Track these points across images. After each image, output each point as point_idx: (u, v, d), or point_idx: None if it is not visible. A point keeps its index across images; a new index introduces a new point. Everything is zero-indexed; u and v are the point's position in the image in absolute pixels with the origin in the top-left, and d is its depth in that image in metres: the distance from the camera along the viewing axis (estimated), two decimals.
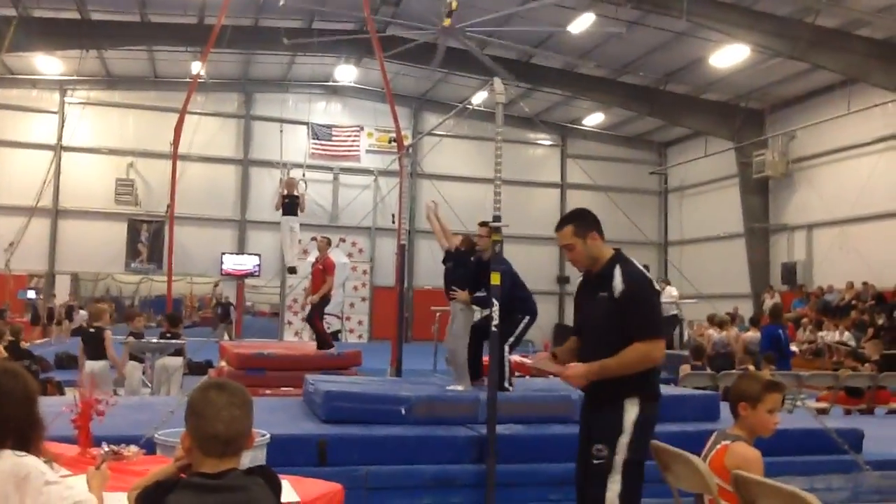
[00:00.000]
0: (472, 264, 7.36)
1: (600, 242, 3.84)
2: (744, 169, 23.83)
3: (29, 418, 2.49)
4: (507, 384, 6.76)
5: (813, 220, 22.35)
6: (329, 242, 11.71)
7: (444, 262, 7.76)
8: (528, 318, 7.09)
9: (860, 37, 18.16)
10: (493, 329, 5.94)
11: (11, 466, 2.38)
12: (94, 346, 9.10)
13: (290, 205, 13.60)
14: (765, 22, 17.96)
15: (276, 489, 2.25)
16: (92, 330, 9.26)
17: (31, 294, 24.25)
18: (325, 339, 11.32)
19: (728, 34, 18.59)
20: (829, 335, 17.38)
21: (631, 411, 3.60)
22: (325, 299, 11.22)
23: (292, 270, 14.86)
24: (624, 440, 3.58)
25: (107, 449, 3.65)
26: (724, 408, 5.92)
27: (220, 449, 2.14)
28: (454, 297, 7.34)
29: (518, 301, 6.97)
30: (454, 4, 15.17)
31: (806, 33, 17.75)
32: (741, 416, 3.48)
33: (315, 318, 11.34)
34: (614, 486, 3.56)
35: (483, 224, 7.05)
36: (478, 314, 7.53)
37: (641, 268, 3.80)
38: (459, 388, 7.11)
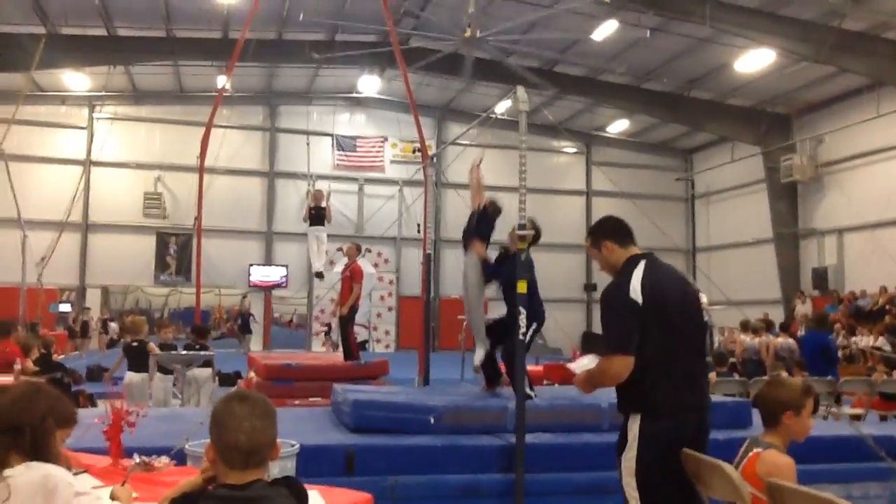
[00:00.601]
0: (490, 222, 7.44)
1: (617, 249, 3.73)
2: (771, 174, 23.61)
3: (44, 433, 2.51)
4: (530, 391, 6.69)
5: (843, 224, 22.06)
6: (359, 249, 11.67)
7: (470, 219, 7.75)
8: (535, 324, 7.03)
9: (887, 39, 17.95)
10: (521, 338, 5.91)
11: (42, 478, 2.39)
12: (137, 360, 9.23)
13: (317, 216, 13.72)
14: (789, 26, 17.81)
15: (302, 500, 2.25)
16: (135, 344, 9.39)
17: (64, 308, 24.55)
18: (352, 350, 11.31)
19: (752, 39, 18.46)
20: (863, 340, 17.11)
21: (633, 428, 3.50)
22: (354, 308, 11.22)
23: (319, 276, 14.88)
24: (629, 457, 3.49)
25: (138, 460, 3.67)
26: (756, 415, 5.85)
27: (243, 460, 2.14)
28: (470, 247, 7.32)
29: (536, 304, 6.92)
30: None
31: (831, 37, 17.56)
32: (785, 425, 3.41)
33: (347, 328, 11.35)
34: None
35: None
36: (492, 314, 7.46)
37: (639, 274, 3.56)
38: (480, 353, 7.11)
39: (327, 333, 21.47)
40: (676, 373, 3.50)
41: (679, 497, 3.52)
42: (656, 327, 3.46)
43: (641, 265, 3.61)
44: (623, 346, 3.46)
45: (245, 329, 23.05)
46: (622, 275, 3.62)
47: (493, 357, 7.39)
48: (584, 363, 3.72)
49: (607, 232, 3.80)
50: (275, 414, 2.25)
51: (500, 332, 7.11)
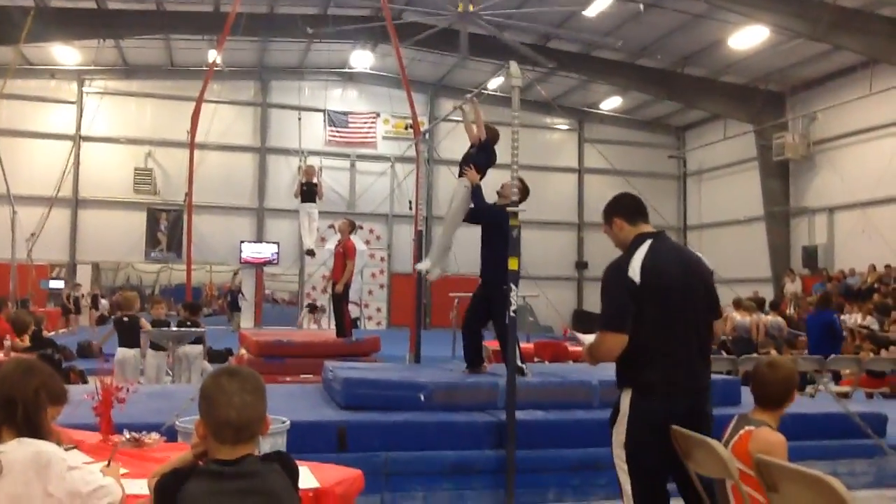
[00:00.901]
0: (490, 151, 7.45)
1: (626, 227, 3.75)
2: (763, 152, 23.60)
3: (37, 408, 2.51)
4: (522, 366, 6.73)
5: (834, 202, 22.11)
6: (352, 225, 11.60)
7: (470, 148, 7.72)
8: (515, 288, 6.91)
9: (882, 17, 17.87)
10: (512, 315, 5.92)
11: (34, 453, 2.41)
12: (128, 335, 9.21)
13: (309, 192, 13.65)
14: (784, 3, 17.72)
15: (293, 475, 2.26)
16: (126, 319, 9.37)
17: (55, 284, 24.49)
18: (344, 327, 11.31)
19: (747, 15, 18.36)
20: (852, 318, 17.20)
21: (624, 402, 3.57)
22: (347, 285, 11.21)
23: (310, 253, 14.83)
24: (619, 430, 3.56)
25: (128, 436, 3.68)
26: (745, 392, 5.89)
27: (233, 435, 2.15)
28: (465, 173, 7.33)
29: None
30: None
31: (826, 14, 17.48)
32: (785, 406, 3.48)
33: (342, 305, 11.35)
34: (626, 480, 3.55)
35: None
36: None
37: (641, 254, 3.57)
38: (426, 263, 7.34)
39: (311, 310, 21.38)
40: (671, 354, 3.52)
41: (664, 472, 3.58)
42: (653, 307, 3.48)
43: (646, 244, 3.62)
44: (615, 323, 3.52)
45: (234, 307, 23.00)
46: (626, 253, 3.64)
47: (478, 339, 7.36)
48: (591, 338, 3.75)
49: (618, 209, 3.82)
50: (264, 389, 2.25)
51: (483, 310, 7.12)
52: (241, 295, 23.99)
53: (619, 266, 3.58)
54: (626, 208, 3.81)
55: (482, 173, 7.34)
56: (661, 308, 3.50)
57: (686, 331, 3.57)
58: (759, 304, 14.02)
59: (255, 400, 2.19)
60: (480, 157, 7.48)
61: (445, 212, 7.83)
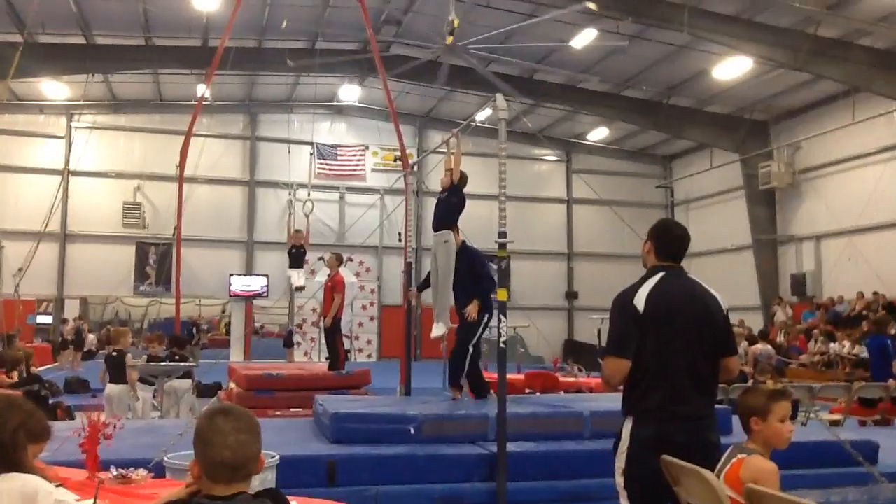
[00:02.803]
0: (461, 194, 7.77)
1: (652, 254, 3.85)
2: (750, 180, 23.81)
3: (16, 447, 2.50)
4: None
5: (821, 230, 22.27)
6: (340, 259, 11.66)
7: (441, 193, 7.98)
8: (487, 315, 7.23)
9: (862, 46, 18.16)
10: (502, 346, 5.91)
11: (20, 487, 2.40)
12: (117, 370, 9.15)
13: (296, 257, 13.60)
14: (766, 33, 17.98)
15: None
16: (115, 354, 9.31)
17: (42, 319, 24.29)
18: (338, 360, 11.28)
19: (730, 46, 18.61)
20: (841, 346, 17.26)
21: (625, 430, 3.64)
22: (337, 318, 11.20)
23: (300, 289, 14.86)
24: (620, 457, 3.62)
25: (115, 473, 3.64)
26: (736, 421, 5.88)
27: (229, 475, 2.14)
28: (450, 231, 7.63)
29: (486, 294, 7.25)
30: (456, 22, 15.23)
31: (807, 44, 17.75)
32: (754, 431, 3.44)
33: (336, 338, 11.33)
34: None
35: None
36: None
37: (650, 285, 3.67)
38: (441, 329, 7.45)
39: (286, 344, 20.99)
40: (670, 382, 3.57)
41: (659, 499, 3.57)
42: (654, 336, 3.57)
43: (658, 276, 3.70)
44: (616, 349, 3.62)
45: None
46: (638, 281, 3.74)
47: (476, 367, 7.45)
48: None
49: (656, 235, 3.88)
50: (258, 427, 2.24)
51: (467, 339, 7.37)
52: (196, 327, 23.46)
53: (626, 294, 3.68)
54: (661, 240, 3.87)
55: (457, 218, 7.68)
56: (661, 338, 3.57)
57: (686, 361, 3.61)
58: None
59: (250, 439, 2.18)
60: (452, 200, 7.70)
61: (432, 270, 7.96)
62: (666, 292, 3.65)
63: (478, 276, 7.42)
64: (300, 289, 14.73)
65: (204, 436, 2.16)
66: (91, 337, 23.34)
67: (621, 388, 3.72)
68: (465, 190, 7.95)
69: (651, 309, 3.58)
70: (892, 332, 16.66)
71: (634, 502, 3.58)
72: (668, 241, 3.86)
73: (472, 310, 7.30)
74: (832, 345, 17.60)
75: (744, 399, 3.54)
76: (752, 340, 14.26)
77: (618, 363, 3.59)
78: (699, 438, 3.59)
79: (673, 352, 3.60)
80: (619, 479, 3.62)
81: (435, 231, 7.71)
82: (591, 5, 15.10)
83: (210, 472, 2.14)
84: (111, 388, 9.07)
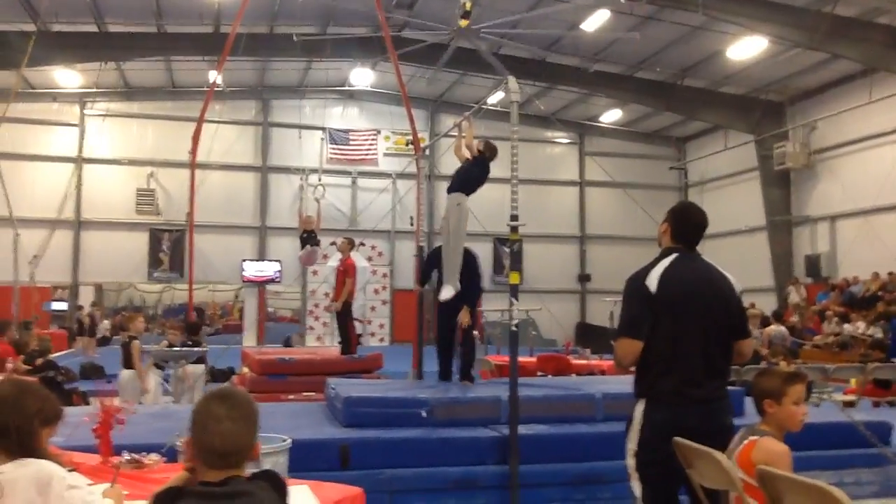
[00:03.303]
0: (486, 166, 7.69)
1: (668, 235, 3.85)
2: (764, 161, 23.62)
3: (31, 433, 2.52)
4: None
5: (836, 211, 22.09)
6: (351, 243, 11.67)
7: (465, 161, 7.92)
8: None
9: (880, 25, 17.92)
10: (514, 329, 5.91)
11: (35, 472, 2.42)
12: (125, 356, 9.22)
13: (308, 240, 13.54)
14: (782, 13, 17.78)
15: (282, 493, 2.24)
16: (126, 340, 9.39)
17: (58, 306, 24.49)
18: (350, 344, 11.32)
19: (745, 26, 18.43)
20: (855, 327, 17.15)
21: (637, 411, 3.66)
22: (349, 303, 11.23)
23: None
24: (631, 438, 3.65)
25: (127, 457, 3.66)
26: (749, 403, 5.86)
27: (218, 461, 2.13)
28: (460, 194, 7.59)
29: (476, 290, 7.49)
30: (468, 5, 15.15)
31: (824, 23, 17.53)
32: (768, 414, 3.42)
33: (347, 322, 11.36)
34: (638, 487, 3.64)
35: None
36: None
37: (663, 266, 3.69)
38: (449, 291, 7.32)
39: (286, 344, 20.82)
40: (683, 365, 3.58)
41: (675, 480, 3.61)
42: (667, 318, 3.57)
43: (672, 257, 3.71)
44: (628, 330, 3.64)
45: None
46: (651, 262, 3.75)
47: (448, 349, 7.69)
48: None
49: (675, 218, 3.88)
50: (256, 415, 2.21)
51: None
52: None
53: (638, 276, 3.69)
54: (679, 224, 3.86)
55: (473, 188, 7.54)
56: (673, 319, 3.57)
57: (699, 343, 3.61)
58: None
59: (243, 428, 2.16)
60: (473, 170, 7.62)
61: (442, 230, 7.90)
62: (679, 274, 3.65)
63: (468, 283, 7.47)
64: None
65: (197, 420, 2.15)
66: (105, 323, 23.50)
67: (633, 369, 3.73)
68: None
69: (663, 290, 3.58)
70: None
71: (648, 482, 3.60)
72: (686, 226, 3.85)
73: (464, 316, 7.41)
74: (846, 326, 17.49)
75: (758, 381, 3.52)
76: (764, 322, 14.16)
77: (630, 344, 3.60)
78: (713, 422, 3.59)
79: (686, 334, 3.59)
80: (631, 461, 3.64)
81: (449, 192, 7.69)
82: None
83: (200, 455, 2.14)
84: (124, 374, 9.15)
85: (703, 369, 3.61)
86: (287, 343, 21.32)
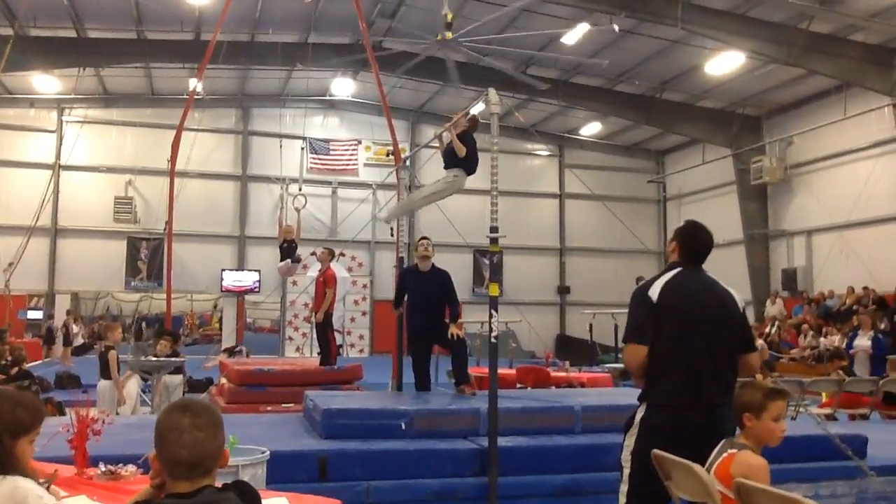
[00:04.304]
0: (473, 143, 7.87)
1: (675, 252, 4.05)
2: (742, 175, 23.85)
3: (2, 447, 2.46)
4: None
5: (812, 225, 22.34)
6: (331, 253, 11.64)
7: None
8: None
9: (855, 42, 18.21)
10: (493, 341, 5.92)
11: (10, 491, 2.37)
12: (103, 366, 9.13)
13: (288, 249, 13.50)
14: (759, 28, 18.01)
15: (253, 502, 2.22)
16: (103, 349, 9.30)
17: (33, 314, 24.20)
18: (330, 355, 11.27)
19: (723, 41, 18.64)
20: (831, 341, 17.32)
21: (639, 413, 3.82)
22: (329, 313, 11.19)
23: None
24: (630, 438, 3.81)
25: (103, 469, 3.62)
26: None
27: (186, 472, 2.11)
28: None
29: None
30: (450, 16, 15.21)
31: (800, 39, 17.78)
32: (747, 427, 3.45)
33: (327, 333, 11.31)
34: (623, 486, 3.81)
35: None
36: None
37: (666, 278, 3.89)
38: (386, 214, 7.72)
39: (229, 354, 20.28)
40: (685, 371, 3.72)
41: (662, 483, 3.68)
42: (669, 326, 3.75)
43: (675, 271, 3.92)
44: (634, 336, 3.83)
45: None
46: (656, 275, 3.97)
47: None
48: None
49: (683, 237, 4.08)
50: (220, 423, 2.19)
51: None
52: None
53: (643, 286, 3.91)
54: (686, 243, 4.04)
55: (473, 167, 7.83)
56: (675, 327, 3.75)
57: (699, 351, 3.75)
58: None
59: (208, 436, 2.13)
60: (468, 146, 7.79)
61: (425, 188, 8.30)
62: (681, 285, 3.85)
63: (451, 300, 7.84)
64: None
65: (161, 432, 2.13)
66: (75, 329, 23.03)
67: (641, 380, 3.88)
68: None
69: (665, 299, 3.78)
70: (882, 326, 16.77)
71: (635, 482, 3.74)
72: (693, 245, 4.05)
73: (455, 330, 7.61)
74: (822, 339, 17.67)
75: (740, 393, 3.56)
76: None
77: (636, 349, 3.79)
78: (714, 426, 3.65)
79: (688, 341, 3.75)
80: (626, 455, 3.81)
81: (446, 168, 7.90)
82: None
83: (167, 468, 2.12)
84: (102, 384, 9.05)
85: (707, 375, 3.73)
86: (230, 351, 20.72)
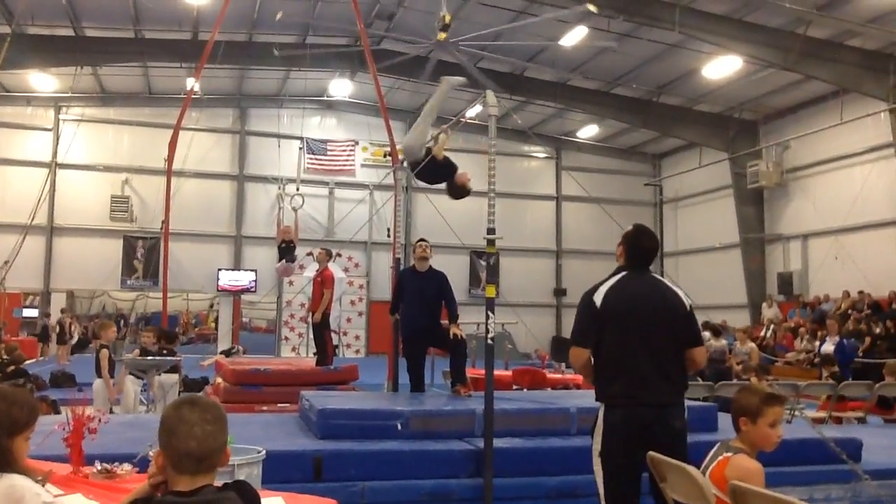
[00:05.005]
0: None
1: (622, 256, 4.19)
2: (738, 179, 23.91)
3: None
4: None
5: (808, 229, 22.39)
6: (329, 254, 11.63)
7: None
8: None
9: (851, 47, 18.26)
10: (489, 342, 5.92)
11: (7, 489, 2.37)
12: (97, 364, 9.12)
13: (286, 250, 13.51)
14: (756, 33, 18.05)
15: (252, 502, 2.23)
16: (98, 348, 9.29)
17: (28, 312, 24.16)
18: (327, 355, 11.26)
19: (720, 45, 18.69)
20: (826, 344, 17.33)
21: (599, 415, 4.00)
22: (326, 314, 11.18)
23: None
24: (596, 439, 3.97)
25: (99, 467, 3.62)
26: (722, 418, 5.90)
27: (194, 466, 2.12)
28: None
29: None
30: (447, 18, 15.21)
31: (797, 44, 17.83)
32: (742, 431, 3.45)
33: (324, 334, 11.30)
34: (601, 484, 3.93)
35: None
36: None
37: (610, 283, 4.04)
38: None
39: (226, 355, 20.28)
40: (631, 371, 3.88)
41: (631, 476, 3.89)
42: (612, 330, 3.93)
43: (619, 276, 4.07)
44: (576, 339, 4.05)
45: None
46: (602, 280, 4.10)
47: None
48: None
49: (628, 241, 4.20)
50: (225, 419, 2.22)
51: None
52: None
53: (589, 292, 4.06)
54: (631, 248, 4.17)
55: (429, 178, 7.96)
56: (619, 329, 3.92)
57: (644, 351, 3.89)
58: (714, 332, 14.06)
59: (216, 430, 2.16)
60: (434, 168, 7.85)
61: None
62: (623, 290, 4.00)
63: (449, 300, 7.88)
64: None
65: (170, 425, 2.15)
66: (73, 329, 23.00)
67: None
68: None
69: (607, 305, 3.95)
70: (877, 331, 16.82)
71: (607, 480, 3.89)
72: (637, 250, 4.17)
73: (456, 330, 7.63)
74: (817, 343, 17.68)
75: (738, 397, 3.56)
76: (716, 332, 14.22)
77: (579, 352, 4.00)
78: (663, 424, 3.84)
79: (632, 343, 3.90)
80: (596, 459, 3.95)
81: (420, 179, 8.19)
82: (592, 7, 15.11)
83: (175, 462, 2.13)
84: (97, 382, 9.04)
85: (653, 374, 3.88)
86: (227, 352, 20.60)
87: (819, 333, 18.28)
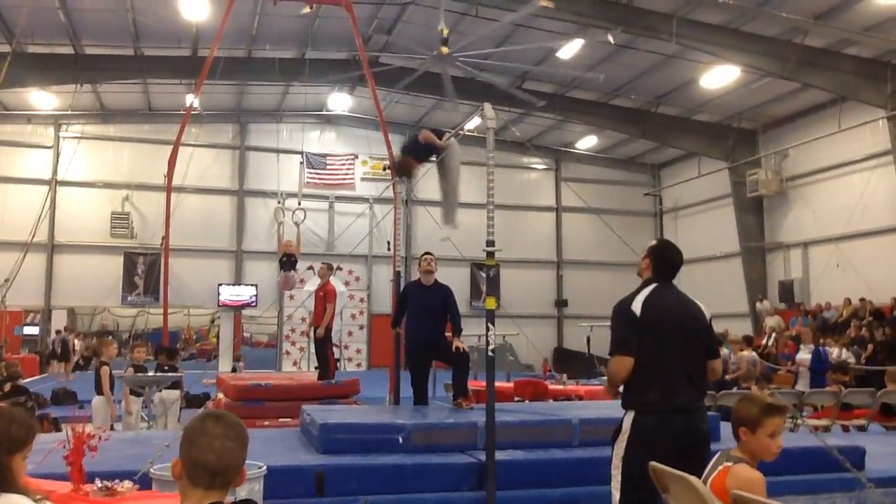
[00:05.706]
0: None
1: (649, 269, 4.27)
2: (738, 188, 23.92)
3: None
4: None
5: (808, 237, 22.38)
6: (330, 268, 11.66)
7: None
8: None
9: (849, 56, 18.31)
10: (490, 354, 5.91)
11: None
12: (98, 381, 9.11)
13: (288, 264, 13.55)
14: (754, 43, 18.11)
15: None
16: (98, 365, 9.29)
17: (29, 330, 24.15)
18: (329, 370, 11.24)
19: (717, 55, 18.74)
20: (830, 351, 17.29)
21: (627, 420, 4.02)
22: (329, 328, 11.18)
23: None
24: (620, 445, 3.99)
25: (100, 485, 3.61)
26: (724, 427, 5.89)
27: (208, 480, 2.12)
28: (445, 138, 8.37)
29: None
30: (445, 31, 15.26)
31: (795, 53, 17.88)
32: (742, 441, 3.43)
33: (327, 348, 11.29)
34: (616, 494, 3.96)
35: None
36: None
37: (645, 293, 4.11)
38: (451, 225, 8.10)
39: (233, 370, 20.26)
40: (665, 377, 3.98)
41: (652, 484, 3.73)
42: (650, 337, 4.00)
43: (652, 287, 4.17)
44: (620, 348, 4.04)
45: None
46: (634, 291, 4.19)
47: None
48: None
49: (656, 254, 4.31)
50: (247, 439, 2.24)
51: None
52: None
53: (624, 301, 4.14)
54: (659, 261, 4.28)
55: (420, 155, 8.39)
56: (657, 338, 4.00)
57: (678, 359, 4.02)
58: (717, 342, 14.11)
59: (237, 447, 2.18)
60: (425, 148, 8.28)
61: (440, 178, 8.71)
62: (659, 301, 4.10)
63: (453, 314, 7.94)
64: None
65: (192, 436, 2.16)
66: (77, 346, 23.05)
67: (621, 389, 4.13)
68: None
69: (646, 314, 4.02)
70: (879, 338, 16.78)
71: (627, 487, 3.91)
72: (665, 263, 4.29)
73: (459, 343, 7.66)
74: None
75: (738, 406, 3.54)
76: (717, 342, 14.27)
77: (622, 360, 4.00)
78: (693, 428, 3.97)
79: (667, 351, 4.01)
80: (617, 463, 3.98)
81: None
82: (545, 3, 15.12)
83: (190, 472, 2.13)
84: (97, 400, 9.02)
85: (684, 382, 4.01)
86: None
87: (821, 341, 18.22)
